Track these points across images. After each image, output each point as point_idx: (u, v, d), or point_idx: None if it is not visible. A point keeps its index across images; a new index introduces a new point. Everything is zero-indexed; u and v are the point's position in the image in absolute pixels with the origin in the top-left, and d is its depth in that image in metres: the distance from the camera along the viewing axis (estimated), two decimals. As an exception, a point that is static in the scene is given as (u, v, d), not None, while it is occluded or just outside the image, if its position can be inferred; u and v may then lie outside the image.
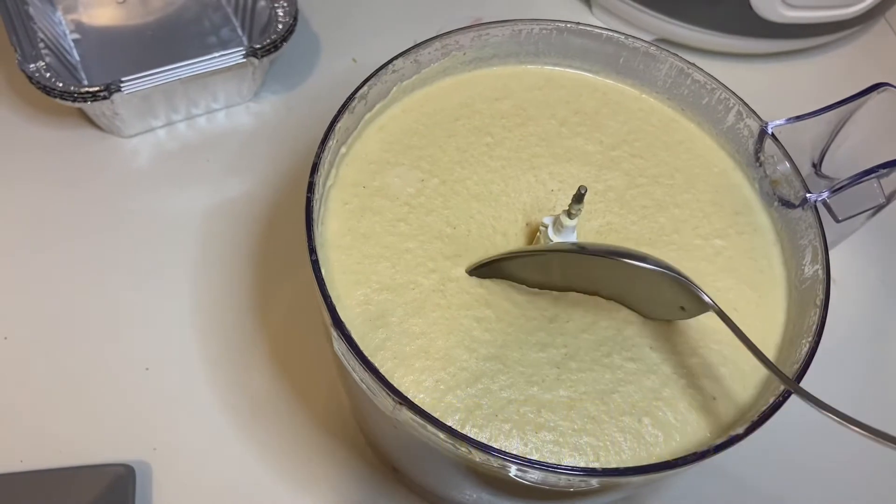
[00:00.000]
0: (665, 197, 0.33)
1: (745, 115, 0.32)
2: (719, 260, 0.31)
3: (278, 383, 0.40)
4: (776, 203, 0.32)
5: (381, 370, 0.26)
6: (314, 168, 0.28)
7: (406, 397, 0.25)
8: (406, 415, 0.25)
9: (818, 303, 0.28)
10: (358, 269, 0.30)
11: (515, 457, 0.24)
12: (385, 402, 0.26)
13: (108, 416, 0.38)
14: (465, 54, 0.34)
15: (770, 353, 0.29)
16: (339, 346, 0.26)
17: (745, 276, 0.31)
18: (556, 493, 0.27)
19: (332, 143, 0.29)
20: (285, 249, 0.44)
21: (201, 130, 0.47)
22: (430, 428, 0.24)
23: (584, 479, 0.24)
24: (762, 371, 0.29)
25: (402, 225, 0.31)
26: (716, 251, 0.32)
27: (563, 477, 0.24)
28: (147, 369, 0.40)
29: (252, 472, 0.37)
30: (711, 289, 0.31)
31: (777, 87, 0.53)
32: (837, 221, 0.30)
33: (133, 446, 0.37)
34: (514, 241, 0.32)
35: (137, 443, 0.37)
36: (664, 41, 0.52)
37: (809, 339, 0.27)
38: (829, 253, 0.30)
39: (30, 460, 0.36)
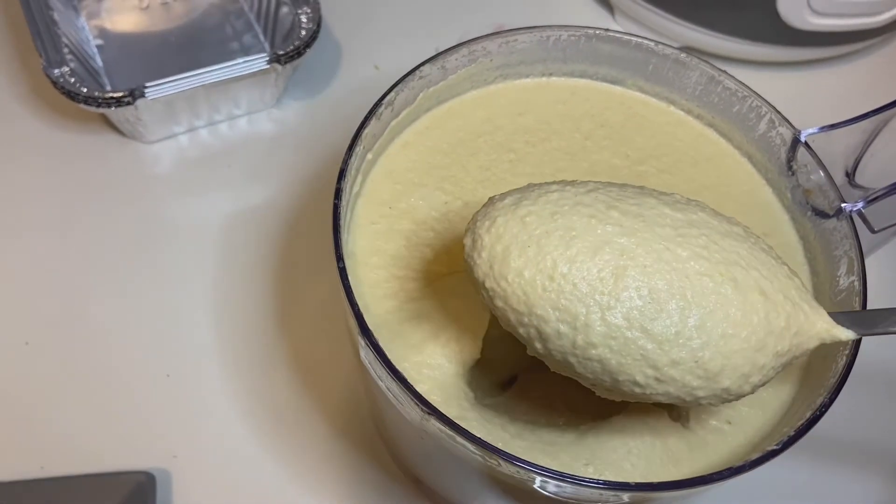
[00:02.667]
0: None
1: (777, 123, 0.32)
2: None
3: (300, 392, 0.39)
4: (809, 213, 0.31)
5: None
6: (341, 174, 0.28)
7: (435, 408, 0.24)
8: (434, 426, 0.24)
9: (855, 316, 0.27)
10: (387, 286, 0.30)
11: (546, 470, 0.23)
12: (413, 412, 0.25)
13: (129, 422, 0.38)
14: (491, 61, 0.34)
15: (795, 377, 0.29)
16: (367, 354, 0.26)
17: None
18: None
19: (359, 149, 0.29)
20: (307, 257, 0.44)
21: (223, 137, 0.47)
22: (459, 439, 0.24)
23: (617, 493, 0.24)
24: (782, 398, 0.28)
25: (429, 251, 0.31)
26: None
27: (595, 491, 0.23)
28: (168, 376, 0.39)
29: (273, 480, 0.37)
30: None
31: (804, 96, 0.52)
32: (873, 232, 0.29)
33: (153, 453, 0.37)
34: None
35: (158, 450, 0.37)
36: (689, 49, 0.51)
37: (847, 352, 0.26)
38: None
39: (50, 467, 0.36)
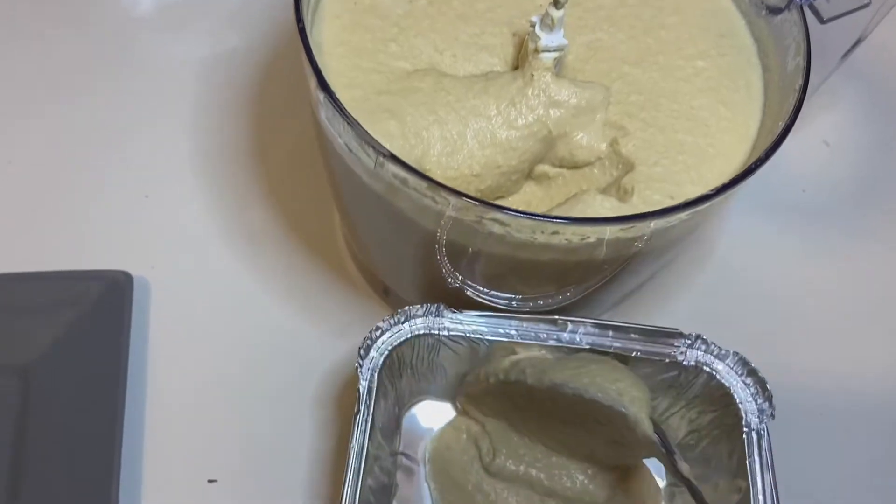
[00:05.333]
0: (653, 18, 0.33)
1: (736, -78, 0.32)
2: (698, 80, 0.32)
3: (275, 217, 0.41)
4: (763, 13, 0.32)
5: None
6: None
7: (389, 151, 0.25)
8: (389, 170, 0.26)
9: (797, 88, 0.28)
10: (352, 75, 0.30)
11: (491, 204, 0.25)
12: (368, 162, 0.26)
13: (107, 240, 0.39)
14: None
15: (737, 162, 0.30)
16: (325, 111, 0.27)
17: (721, 96, 0.31)
18: (557, 265, 0.28)
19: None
20: (285, 97, 0.45)
21: (204, -19, 0.48)
22: (412, 180, 0.25)
23: (560, 224, 0.25)
24: (725, 176, 0.29)
25: (393, 45, 0.31)
26: (696, 72, 0.32)
27: (541, 223, 0.25)
28: (146, 196, 0.41)
29: (246, 294, 0.39)
30: (687, 107, 0.31)
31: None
32: (822, 22, 0.30)
33: (131, 265, 0.38)
34: (499, 53, 0.32)
35: (136, 262, 0.38)
36: None
37: (785, 119, 0.27)
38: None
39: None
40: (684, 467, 0.27)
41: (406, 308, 0.32)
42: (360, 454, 0.29)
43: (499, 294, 0.32)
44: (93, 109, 0.43)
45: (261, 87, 0.45)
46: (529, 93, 0.30)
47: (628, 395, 0.28)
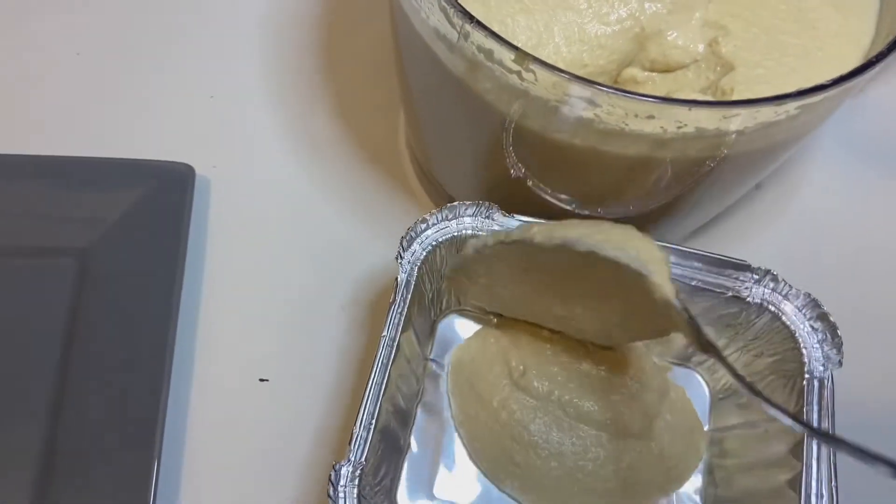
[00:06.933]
0: None
1: None
2: None
3: (340, 126, 0.40)
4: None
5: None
6: None
7: (472, 14, 0.24)
8: (475, 40, 0.24)
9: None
10: None
11: (586, 79, 0.23)
12: (450, 34, 0.25)
13: (170, 135, 0.39)
14: None
15: (847, 69, 0.27)
16: (409, -19, 0.25)
17: None
18: (642, 164, 0.26)
19: None
20: (358, 7, 0.43)
21: None
22: (498, 50, 0.23)
23: (655, 103, 0.23)
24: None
25: None
26: None
27: (645, 107, 0.23)
28: (212, 97, 0.40)
29: (305, 199, 0.37)
30: (795, 8, 0.28)
31: None
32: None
33: (194, 162, 0.37)
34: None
35: (198, 159, 0.37)
36: None
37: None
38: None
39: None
40: (710, 333, 0.24)
41: (455, 204, 0.30)
42: (390, 345, 0.27)
43: (569, 200, 0.30)
44: (162, 8, 0.42)
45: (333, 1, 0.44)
46: None
47: (648, 255, 0.24)
